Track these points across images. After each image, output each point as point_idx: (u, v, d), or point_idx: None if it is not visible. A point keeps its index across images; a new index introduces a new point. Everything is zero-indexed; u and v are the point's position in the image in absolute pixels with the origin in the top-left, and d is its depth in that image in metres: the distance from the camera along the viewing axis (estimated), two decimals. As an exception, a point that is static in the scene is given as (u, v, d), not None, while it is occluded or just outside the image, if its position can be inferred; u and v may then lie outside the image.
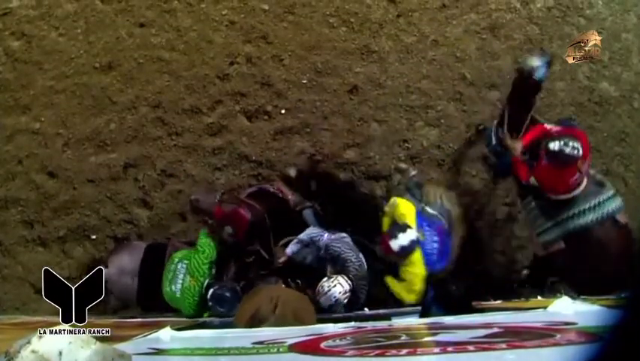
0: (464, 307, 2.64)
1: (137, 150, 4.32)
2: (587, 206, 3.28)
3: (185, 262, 3.43)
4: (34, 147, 4.35)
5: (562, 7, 4.55)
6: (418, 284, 3.29)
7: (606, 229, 3.26)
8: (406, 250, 3.21)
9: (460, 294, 2.80)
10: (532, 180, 3.35)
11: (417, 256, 3.28)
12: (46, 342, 1.21)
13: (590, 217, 3.27)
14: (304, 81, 4.41)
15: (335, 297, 3.19)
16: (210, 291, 3.29)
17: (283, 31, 4.49)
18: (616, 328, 0.88)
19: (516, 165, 3.48)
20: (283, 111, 4.35)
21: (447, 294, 2.81)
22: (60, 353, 1.18)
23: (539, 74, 3.28)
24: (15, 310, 4.02)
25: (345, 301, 3.26)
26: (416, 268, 3.29)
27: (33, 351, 1.17)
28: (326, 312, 3.19)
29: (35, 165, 4.32)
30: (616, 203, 3.33)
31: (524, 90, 3.45)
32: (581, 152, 3.04)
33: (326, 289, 3.21)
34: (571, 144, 3.03)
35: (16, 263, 4.21)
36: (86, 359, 1.19)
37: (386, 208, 3.51)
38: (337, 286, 3.24)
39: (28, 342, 1.19)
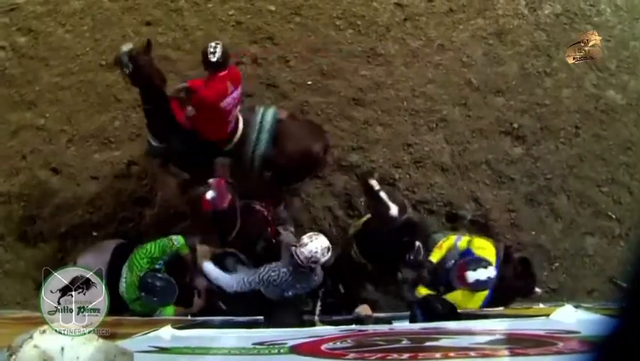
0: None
1: (141, 148, 4.31)
2: (253, 137, 3.60)
3: (128, 260, 3.39)
4: (39, 143, 4.36)
5: (570, 14, 4.55)
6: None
7: (282, 133, 3.62)
8: (480, 286, 3.19)
9: (445, 313, 2.81)
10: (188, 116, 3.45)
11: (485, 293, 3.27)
12: (49, 338, 1.20)
13: (265, 139, 3.60)
14: (309, 83, 4.41)
15: (313, 251, 3.04)
16: (141, 281, 3.24)
17: (289, 33, 4.50)
18: (611, 337, 0.88)
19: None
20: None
21: (433, 313, 2.81)
22: (62, 349, 1.17)
23: None
24: (16, 305, 4.02)
25: (325, 259, 3.11)
26: (475, 302, 3.29)
27: (35, 346, 1.16)
28: (304, 268, 3.11)
29: (39, 161, 4.32)
30: (269, 113, 3.66)
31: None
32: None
33: (306, 240, 3.09)
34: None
35: (18, 258, 4.21)
36: (88, 355, 1.19)
37: (448, 241, 3.50)
38: (317, 241, 3.09)
39: (31, 337, 1.19)
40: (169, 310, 3.35)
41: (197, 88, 3.42)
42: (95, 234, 4.19)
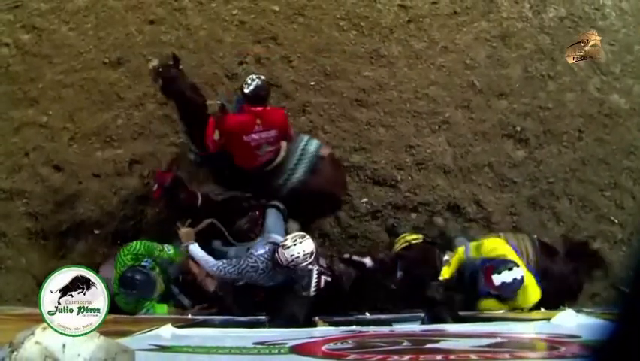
0: None
1: (144, 147, 4.32)
2: (291, 165, 3.64)
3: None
4: (41, 140, 4.36)
5: (574, 17, 4.54)
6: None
7: (318, 170, 3.68)
8: (508, 288, 3.11)
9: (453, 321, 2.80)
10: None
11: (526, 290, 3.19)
12: (50, 334, 1.20)
13: (302, 171, 3.64)
14: (312, 83, 4.41)
15: (295, 255, 3.00)
16: (121, 275, 3.23)
17: (293, 33, 4.50)
18: (610, 342, 0.88)
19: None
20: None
21: (440, 321, 2.80)
22: (63, 346, 1.17)
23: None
24: (17, 302, 4.01)
25: (305, 265, 3.06)
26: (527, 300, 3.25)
27: (37, 343, 1.16)
28: (282, 269, 3.08)
29: (41, 158, 4.33)
30: (312, 145, 3.72)
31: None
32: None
33: (290, 243, 3.05)
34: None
35: (20, 255, 4.21)
36: (89, 353, 1.19)
37: (458, 254, 3.48)
38: (301, 246, 3.04)
39: (32, 334, 1.19)
40: (161, 309, 3.34)
41: (227, 114, 3.47)
42: (96, 232, 4.20)
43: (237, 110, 3.56)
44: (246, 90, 3.34)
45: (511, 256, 3.27)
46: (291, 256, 3.01)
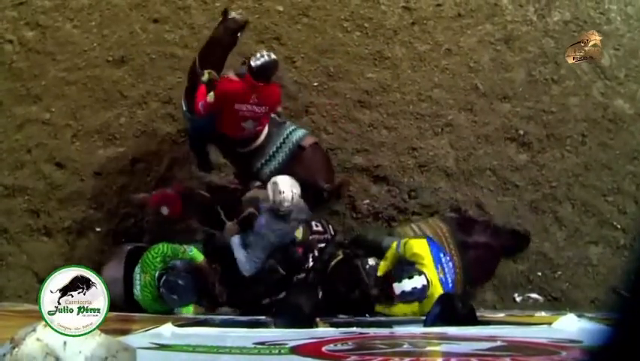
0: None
1: (146, 145, 4.32)
2: (270, 151, 3.66)
3: (140, 261, 3.41)
4: (44, 137, 4.36)
5: (579, 21, 4.52)
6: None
7: (300, 159, 3.69)
8: (409, 297, 3.16)
9: (464, 313, 2.77)
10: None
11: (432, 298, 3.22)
12: (52, 331, 1.20)
13: (281, 157, 3.67)
14: (315, 84, 4.41)
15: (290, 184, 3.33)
16: (162, 279, 3.25)
17: (297, 34, 4.50)
18: (610, 347, 0.87)
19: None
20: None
21: (453, 311, 2.78)
22: (65, 343, 1.17)
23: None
24: (18, 298, 4.02)
25: (294, 199, 3.34)
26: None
27: (38, 340, 1.16)
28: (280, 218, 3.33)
29: (44, 155, 4.33)
30: (295, 134, 3.73)
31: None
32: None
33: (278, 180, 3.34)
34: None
35: (21, 252, 4.21)
36: (90, 350, 1.19)
37: (391, 250, 3.50)
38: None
39: (34, 330, 1.19)
40: (188, 310, 3.36)
41: (225, 79, 3.48)
42: (98, 229, 4.20)
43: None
44: (252, 63, 3.36)
45: (425, 260, 3.29)
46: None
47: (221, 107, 3.47)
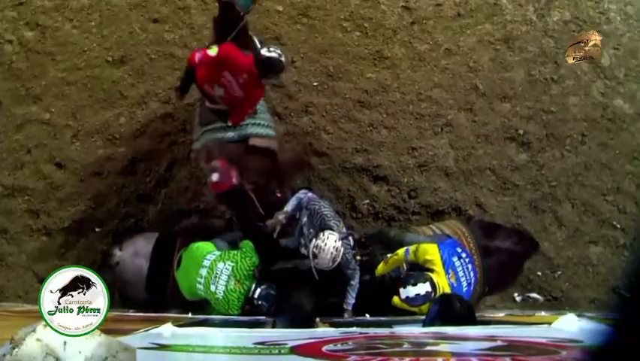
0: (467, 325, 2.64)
1: (146, 145, 4.32)
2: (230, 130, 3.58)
3: (230, 264, 3.41)
4: (44, 137, 4.36)
5: (579, 21, 4.53)
6: None
7: (240, 147, 3.58)
8: (412, 303, 3.21)
9: (463, 313, 2.78)
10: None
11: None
12: (52, 331, 1.20)
13: (229, 134, 3.58)
14: (315, 84, 4.41)
15: (334, 247, 3.14)
16: (258, 291, 3.35)
17: (296, 34, 4.50)
18: (610, 347, 0.87)
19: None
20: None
21: (451, 311, 2.79)
22: (65, 343, 1.17)
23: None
24: (17, 299, 4.03)
25: (345, 250, 3.23)
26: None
27: (38, 340, 1.16)
28: (333, 273, 3.25)
29: (44, 155, 4.33)
30: (255, 129, 3.63)
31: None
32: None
33: (321, 244, 3.15)
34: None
35: (21, 252, 4.21)
36: (90, 350, 1.19)
37: (397, 255, 3.50)
38: (330, 239, 3.17)
39: (34, 330, 1.19)
40: None
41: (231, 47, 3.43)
42: (97, 230, 4.20)
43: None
44: (263, 52, 3.33)
45: (436, 266, 3.31)
46: (333, 250, 3.16)
47: (214, 65, 3.42)
